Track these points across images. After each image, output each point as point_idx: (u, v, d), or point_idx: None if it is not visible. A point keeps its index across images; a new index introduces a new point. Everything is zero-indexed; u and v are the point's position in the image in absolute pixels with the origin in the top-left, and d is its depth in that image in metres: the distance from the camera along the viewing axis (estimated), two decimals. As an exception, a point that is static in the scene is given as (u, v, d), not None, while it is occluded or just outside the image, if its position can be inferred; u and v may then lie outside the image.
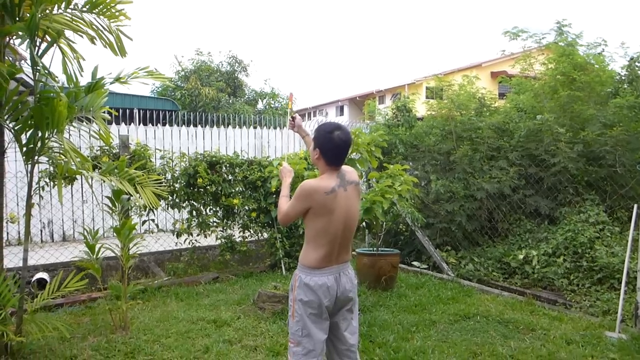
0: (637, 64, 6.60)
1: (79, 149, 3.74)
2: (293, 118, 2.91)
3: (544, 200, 6.18)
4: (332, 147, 2.32)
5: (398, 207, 5.52)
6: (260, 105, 22.50)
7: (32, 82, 3.32)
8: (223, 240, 6.13)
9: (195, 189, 5.91)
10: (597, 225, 5.52)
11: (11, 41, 3.50)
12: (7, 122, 3.37)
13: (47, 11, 3.38)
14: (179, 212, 6.04)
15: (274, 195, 6.01)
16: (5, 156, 3.53)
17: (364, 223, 4.72)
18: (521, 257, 5.68)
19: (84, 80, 3.61)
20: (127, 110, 9.22)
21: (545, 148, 6.22)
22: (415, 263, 6.52)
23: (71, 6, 3.41)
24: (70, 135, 6.86)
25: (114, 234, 4.05)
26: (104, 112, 3.72)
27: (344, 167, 2.43)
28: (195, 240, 6.05)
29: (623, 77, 7.00)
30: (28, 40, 3.15)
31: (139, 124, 8.73)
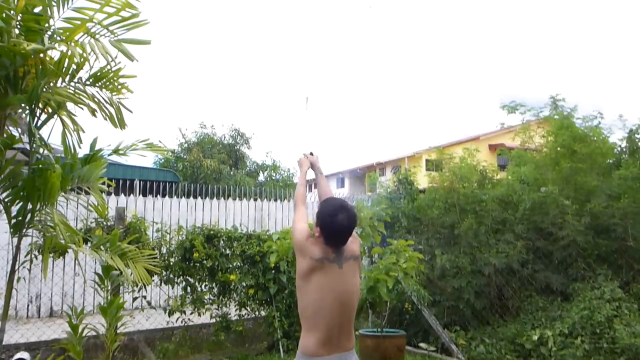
0: (636, 135, 6.64)
1: (73, 221, 3.61)
2: (311, 154, 2.84)
3: (554, 275, 5.93)
4: (332, 233, 2.18)
5: (403, 285, 5.27)
6: (261, 177, 22.67)
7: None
8: (218, 319, 5.79)
9: (191, 264, 5.68)
10: (614, 302, 5.24)
11: (12, 112, 3.49)
12: (-1, 192, 3.27)
13: (51, 84, 3.39)
14: (173, 288, 5.76)
15: (273, 271, 5.77)
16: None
17: (367, 302, 4.46)
18: (535, 337, 5.32)
19: (84, 150, 3.57)
20: (128, 181, 9.19)
21: (551, 220, 6.08)
22: (422, 345, 6.10)
23: (75, 79, 3.44)
24: (67, 207, 6.74)
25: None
26: (102, 184, 3.63)
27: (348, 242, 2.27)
28: (189, 319, 5.71)
29: (624, 149, 7.02)
30: (28, 111, 3.14)
31: (139, 195, 8.65)
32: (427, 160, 16.94)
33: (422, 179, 8.61)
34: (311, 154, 2.86)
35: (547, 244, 6.10)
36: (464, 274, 6.14)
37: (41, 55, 3.13)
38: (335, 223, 2.16)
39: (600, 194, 6.10)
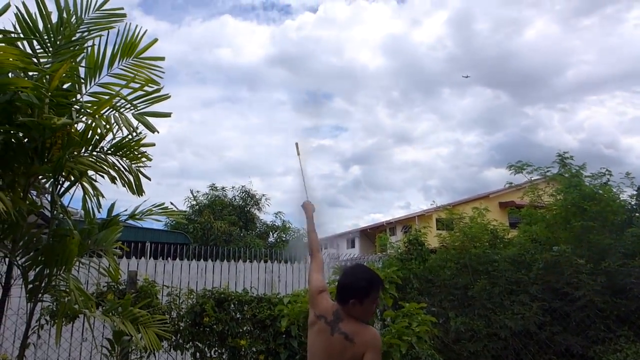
0: (645, 192, 6.65)
1: (85, 284, 3.65)
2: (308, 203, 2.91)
3: (574, 338, 5.72)
4: (339, 283, 2.31)
5: (417, 350, 5.11)
6: (271, 239, 22.62)
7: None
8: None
9: (201, 328, 5.60)
10: (638, 366, 5.02)
11: (36, 181, 3.66)
12: (18, 257, 3.35)
13: (75, 153, 3.58)
14: (182, 353, 5.65)
15: (284, 336, 5.66)
16: (9, 293, 3.43)
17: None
18: (560, 406, 5.07)
19: (102, 213, 3.69)
20: (139, 244, 9.25)
21: (567, 280, 5.97)
22: (440, 413, 5.81)
23: (97, 149, 3.63)
24: (79, 270, 6.79)
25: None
26: (116, 248, 3.71)
27: (356, 324, 2.18)
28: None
29: (634, 206, 7.00)
30: (52, 180, 3.30)
31: (150, 258, 8.68)
32: (437, 220, 16.87)
33: (433, 239, 8.57)
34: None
35: (563, 305, 5.94)
36: (479, 338, 5.96)
37: (67, 126, 3.34)
38: (342, 275, 2.33)
39: (615, 252, 6.02)
